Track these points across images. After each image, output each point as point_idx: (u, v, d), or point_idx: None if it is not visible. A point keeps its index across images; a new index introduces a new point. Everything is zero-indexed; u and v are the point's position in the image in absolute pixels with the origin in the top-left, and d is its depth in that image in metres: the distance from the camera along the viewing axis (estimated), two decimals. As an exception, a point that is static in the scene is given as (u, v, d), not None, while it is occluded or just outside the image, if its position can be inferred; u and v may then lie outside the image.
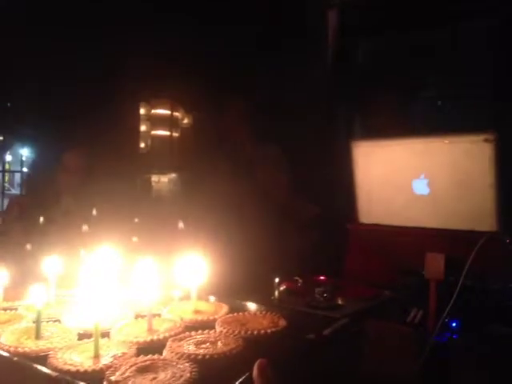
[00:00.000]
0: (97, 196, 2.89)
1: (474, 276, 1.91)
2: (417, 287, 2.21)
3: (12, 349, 1.25)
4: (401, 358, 1.93)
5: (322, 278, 2.59)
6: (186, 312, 1.47)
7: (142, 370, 1.11)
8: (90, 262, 1.39)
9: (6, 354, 1.24)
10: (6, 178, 9.20)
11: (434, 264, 2.04)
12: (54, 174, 3.21)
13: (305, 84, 3.35)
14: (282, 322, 1.38)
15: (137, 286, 1.40)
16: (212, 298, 1.65)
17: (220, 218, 2.78)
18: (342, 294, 2.34)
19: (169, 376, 1.08)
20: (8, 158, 9.17)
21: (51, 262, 1.60)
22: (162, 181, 4.40)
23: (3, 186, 7.75)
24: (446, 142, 1.98)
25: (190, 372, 1.09)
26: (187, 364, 1.12)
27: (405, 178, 2.08)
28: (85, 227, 2.45)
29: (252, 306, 1.58)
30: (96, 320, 1.21)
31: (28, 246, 2.44)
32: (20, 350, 1.24)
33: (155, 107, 4.44)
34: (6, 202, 7.22)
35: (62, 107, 3.98)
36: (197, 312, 1.48)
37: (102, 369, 1.13)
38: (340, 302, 2.26)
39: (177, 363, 1.13)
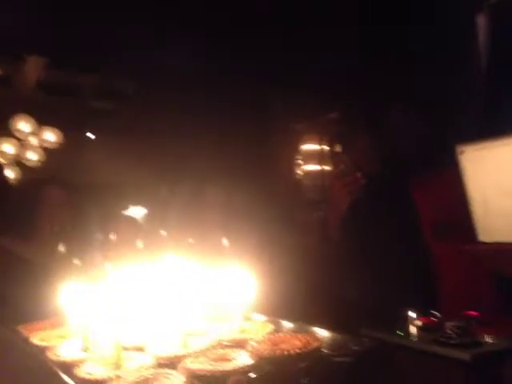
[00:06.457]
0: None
1: None
2: None
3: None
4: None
5: (472, 313, 2.18)
6: (231, 332, 1.40)
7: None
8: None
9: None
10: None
11: None
12: None
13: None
14: (315, 343, 1.22)
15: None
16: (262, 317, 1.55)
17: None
18: (485, 330, 1.93)
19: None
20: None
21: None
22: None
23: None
24: None
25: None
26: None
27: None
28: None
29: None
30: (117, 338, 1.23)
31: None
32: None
33: (305, 142, 4.47)
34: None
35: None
36: (241, 332, 1.40)
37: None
38: (480, 339, 1.86)
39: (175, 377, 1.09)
